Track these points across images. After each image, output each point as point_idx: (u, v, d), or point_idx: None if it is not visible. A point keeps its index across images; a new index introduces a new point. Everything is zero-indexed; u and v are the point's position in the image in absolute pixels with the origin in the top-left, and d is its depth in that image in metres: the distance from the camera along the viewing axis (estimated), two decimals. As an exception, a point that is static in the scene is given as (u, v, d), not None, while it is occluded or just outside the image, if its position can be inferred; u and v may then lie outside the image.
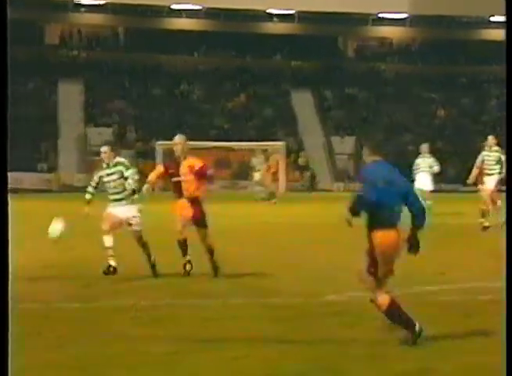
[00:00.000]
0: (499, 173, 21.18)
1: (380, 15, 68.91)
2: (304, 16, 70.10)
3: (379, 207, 8.09)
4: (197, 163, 13.13)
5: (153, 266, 13.12)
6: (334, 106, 68.86)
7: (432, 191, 26.33)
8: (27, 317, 9.61)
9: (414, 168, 26.32)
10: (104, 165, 13.61)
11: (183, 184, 12.96)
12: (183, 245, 13.09)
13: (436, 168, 26.47)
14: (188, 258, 13.08)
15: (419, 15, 68.28)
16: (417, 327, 8.01)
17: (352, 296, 11.07)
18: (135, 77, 67.88)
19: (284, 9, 69.36)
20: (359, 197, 8.22)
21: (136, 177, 13.20)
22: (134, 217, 13.24)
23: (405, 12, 68.47)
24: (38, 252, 16.05)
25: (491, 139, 21.69)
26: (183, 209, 12.97)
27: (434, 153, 28.02)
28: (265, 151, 42.66)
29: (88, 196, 13.89)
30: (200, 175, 13.03)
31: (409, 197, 8.29)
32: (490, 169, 21.32)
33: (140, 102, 66.46)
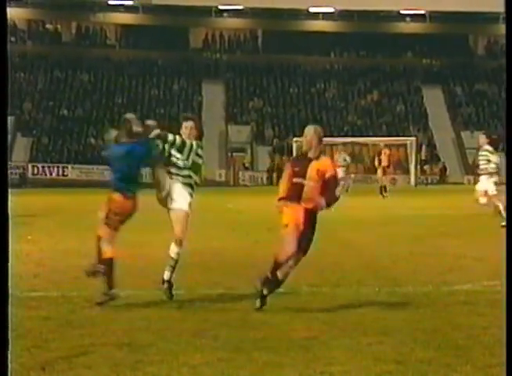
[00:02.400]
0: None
1: None
2: (435, 16, 69.12)
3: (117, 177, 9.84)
4: (330, 168, 9.57)
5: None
6: (464, 102, 67.64)
7: None
8: (173, 302, 9.84)
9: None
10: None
11: (306, 189, 9.46)
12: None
13: None
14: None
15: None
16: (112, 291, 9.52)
17: (486, 285, 10.90)
18: (273, 77, 68.32)
19: (416, 9, 68.56)
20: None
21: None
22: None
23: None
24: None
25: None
26: (294, 217, 9.44)
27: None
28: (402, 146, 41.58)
29: None
30: (329, 184, 9.50)
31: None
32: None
33: (277, 100, 66.87)
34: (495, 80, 68.17)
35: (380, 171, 37.21)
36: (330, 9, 68.40)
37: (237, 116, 65.37)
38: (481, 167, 20.44)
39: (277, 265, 9.47)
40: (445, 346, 7.52)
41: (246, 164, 62.00)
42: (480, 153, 20.77)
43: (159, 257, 14.35)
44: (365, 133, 59.94)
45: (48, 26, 71.10)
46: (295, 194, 9.48)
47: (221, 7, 68.64)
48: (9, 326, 3.86)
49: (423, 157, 58.80)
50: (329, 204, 9.44)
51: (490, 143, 20.64)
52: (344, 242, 17.21)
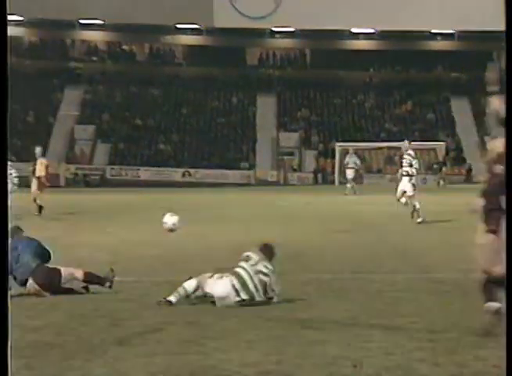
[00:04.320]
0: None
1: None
2: (462, 35, 68.26)
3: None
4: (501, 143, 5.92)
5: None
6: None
7: None
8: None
9: None
10: None
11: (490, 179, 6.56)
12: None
13: None
14: None
15: None
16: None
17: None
18: (319, 89, 68.07)
19: (446, 29, 67.83)
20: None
21: None
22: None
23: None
24: (236, 231, 16.34)
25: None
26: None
27: None
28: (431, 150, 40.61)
29: None
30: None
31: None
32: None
33: (323, 110, 66.64)
34: (516, 91, 67.33)
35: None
36: (370, 30, 68.01)
37: (287, 124, 65.26)
38: (404, 169, 19.96)
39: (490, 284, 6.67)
40: (472, 326, 7.42)
41: (295, 166, 61.89)
42: (404, 156, 20.31)
43: (219, 246, 14.40)
44: (400, 138, 59.40)
45: (124, 47, 71.68)
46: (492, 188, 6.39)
47: (274, 29, 68.60)
48: (8, 321, 3.62)
49: (440, 159, 57.36)
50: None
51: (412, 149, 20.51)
52: (380, 234, 17.08)
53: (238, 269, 8.75)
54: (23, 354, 6.41)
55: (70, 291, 9.30)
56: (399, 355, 6.36)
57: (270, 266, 8.80)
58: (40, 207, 22.38)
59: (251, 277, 8.66)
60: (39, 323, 7.69)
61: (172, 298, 8.62)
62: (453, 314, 8.03)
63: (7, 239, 3.58)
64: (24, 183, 23.13)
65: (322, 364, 6.09)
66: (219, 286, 8.60)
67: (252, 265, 8.72)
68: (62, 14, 62.35)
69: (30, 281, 9.18)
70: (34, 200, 22.45)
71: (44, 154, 25.65)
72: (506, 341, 3.78)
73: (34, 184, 22.76)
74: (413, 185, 19.68)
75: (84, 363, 6.16)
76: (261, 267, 8.73)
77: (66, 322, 7.77)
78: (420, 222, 19.00)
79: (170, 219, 9.90)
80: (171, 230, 9.78)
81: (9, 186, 22.32)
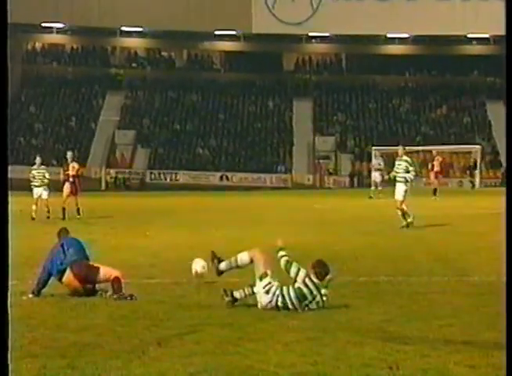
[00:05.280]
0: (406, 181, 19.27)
1: None
2: (498, 39, 67.54)
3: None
4: None
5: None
6: (525, 114, 66.02)
7: None
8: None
9: None
10: None
11: None
12: None
13: None
14: None
15: None
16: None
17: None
18: (355, 94, 67.88)
19: (481, 33, 67.16)
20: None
21: None
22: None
23: None
24: (272, 234, 16.29)
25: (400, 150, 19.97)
26: None
27: None
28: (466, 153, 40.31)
29: None
30: None
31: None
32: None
33: (358, 114, 66.41)
34: (552, 94, 66.41)
35: (432, 176, 36.46)
36: (405, 35, 67.64)
37: (323, 128, 65.16)
38: (400, 175, 19.42)
39: None
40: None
41: (331, 170, 61.76)
42: (399, 162, 19.69)
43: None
44: (436, 142, 58.95)
45: (163, 53, 72.18)
46: None
47: (310, 35, 68.54)
48: (9, 324, 3.50)
49: (472, 163, 56.81)
50: None
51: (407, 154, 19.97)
52: (415, 237, 16.95)
53: (287, 300, 8.34)
54: (66, 354, 6.47)
55: (95, 293, 9.35)
56: (435, 357, 6.31)
57: (325, 298, 8.39)
58: (77, 210, 22.61)
59: (297, 309, 8.39)
60: (80, 324, 7.76)
61: (223, 265, 8.96)
62: (488, 316, 7.94)
63: (7, 238, 3.51)
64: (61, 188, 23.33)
65: (358, 366, 6.06)
66: (265, 299, 8.43)
67: (307, 305, 8.35)
68: (103, 22, 62.98)
69: (68, 272, 9.24)
70: (64, 205, 22.49)
71: (85, 158, 25.85)
72: (506, 340, 3.72)
73: (67, 189, 22.84)
74: (406, 191, 19.26)
75: (124, 363, 6.20)
76: (313, 306, 8.36)
77: (107, 323, 7.83)
78: (403, 226, 18.58)
79: (197, 265, 9.79)
80: (201, 275, 9.65)
81: (44, 190, 23.46)
